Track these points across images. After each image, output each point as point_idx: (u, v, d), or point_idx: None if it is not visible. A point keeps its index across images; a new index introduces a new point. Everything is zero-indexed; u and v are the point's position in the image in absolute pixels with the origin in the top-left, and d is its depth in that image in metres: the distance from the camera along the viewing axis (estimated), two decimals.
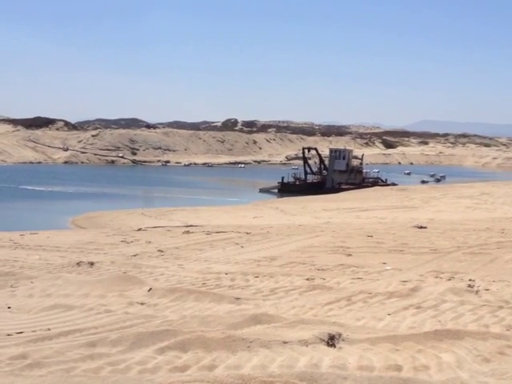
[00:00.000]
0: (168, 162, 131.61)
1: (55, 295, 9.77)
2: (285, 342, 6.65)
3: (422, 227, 22.03)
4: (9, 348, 6.60)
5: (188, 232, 20.99)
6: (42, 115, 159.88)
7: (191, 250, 16.16)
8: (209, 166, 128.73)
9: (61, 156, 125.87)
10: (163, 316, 8.15)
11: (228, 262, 13.74)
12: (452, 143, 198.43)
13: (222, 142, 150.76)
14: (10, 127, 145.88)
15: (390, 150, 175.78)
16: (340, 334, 6.94)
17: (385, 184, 76.64)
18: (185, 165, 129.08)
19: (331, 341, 6.76)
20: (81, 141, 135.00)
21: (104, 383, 5.46)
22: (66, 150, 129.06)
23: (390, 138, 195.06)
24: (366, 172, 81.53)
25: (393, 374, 5.81)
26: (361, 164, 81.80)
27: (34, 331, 7.41)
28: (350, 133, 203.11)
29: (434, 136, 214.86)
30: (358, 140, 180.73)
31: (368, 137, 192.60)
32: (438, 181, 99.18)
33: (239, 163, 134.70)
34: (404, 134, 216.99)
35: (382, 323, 7.88)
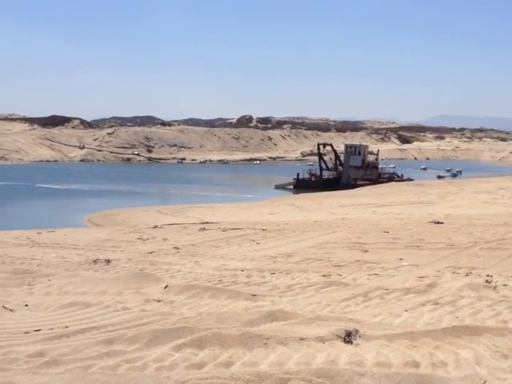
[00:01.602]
0: (183, 159, 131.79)
1: (72, 293, 9.81)
2: (301, 339, 6.63)
3: (438, 223, 21.91)
4: (26, 346, 6.63)
5: (204, 229, 21.01)
6: (58, 114, 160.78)
7: (207, 246, 16.18)
8: (224, 163, 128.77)
9: (77, 154, 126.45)
10: (180, 313, 8.16)
11: (244, 259, 13.74)
12: (468, 138, 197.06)
13: (237, 139, 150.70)
14: (26, 126, 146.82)
15: (406, 146, 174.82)
16: (357, 331, 6.91)
17: (401, 179, 76.27)
18: (200, 162, 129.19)
19: (348, 337, 6.73)
20: (96, 139, 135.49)
21: (121, 380, 5.47)
22: (82, 148, 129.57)
23: (406, 133, 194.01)
24: (382, 167, 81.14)
25: (410, 370, 5.77)
26: (376, 159, 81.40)
27: (52, 329, 7.44)
28: (366, 128, 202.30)
29: (450, 131, 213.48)
30: (374, 135, 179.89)
31: (383, 132, 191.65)
32: (454, 176, 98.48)
33: (254, 160, 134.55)
34: (420, 129, 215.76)
35: (399, 319, 7.84)
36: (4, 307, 8.54)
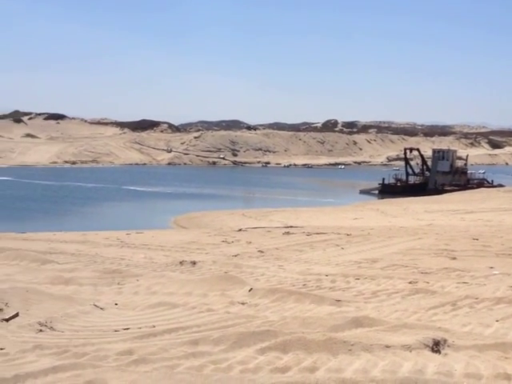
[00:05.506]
0: (268, 163, 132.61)
1: (159, 293, 10.01)
2: (387, 347, 6.51)
3: None
4: (116, 344, 6.80)
5: (288, 233, 21.01)
6: (147, 118, 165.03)
7: (291, 250, 16.16)
8: (308, 167, 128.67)
9: (164, 157, 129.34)
10: (264, 316, 8.18)
11: (328, 264, 13.65)
12: None
13: (322, 143, 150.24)
14: (117, 130, 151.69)
15: (497, 151, 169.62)
16: (445, 340, 6.73)
17: (491, 185, 74.03)
18: (284, 166, 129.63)
19: (436, 346, 6.55)
20: (184, 142, 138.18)
21: (207, 381, 5.52)
22: (170, 151, 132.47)
23: (497, 138, 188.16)
24: (471, 173, 79.02)
25: (502, 382, 5.57)
26: (465, 165, 79.37)
27: (140, 328, 7.61)
28: (454, 133, 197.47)
29: None
30: (463, 140, 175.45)
31: (473, 137, 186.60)
32: None
33: (339, 164, 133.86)
34: None
35: (489, 330, 7.58)
36: (95, 305, 8.80)
